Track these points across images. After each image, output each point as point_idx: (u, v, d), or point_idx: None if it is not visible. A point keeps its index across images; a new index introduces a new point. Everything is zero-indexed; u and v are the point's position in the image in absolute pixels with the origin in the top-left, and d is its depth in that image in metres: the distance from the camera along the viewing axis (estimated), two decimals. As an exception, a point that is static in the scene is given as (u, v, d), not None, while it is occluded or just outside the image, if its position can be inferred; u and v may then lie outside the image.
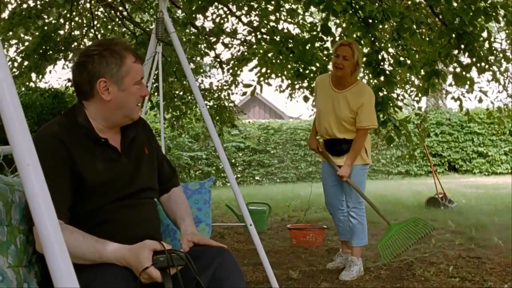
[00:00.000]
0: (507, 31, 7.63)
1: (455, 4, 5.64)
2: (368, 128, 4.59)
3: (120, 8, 8.63)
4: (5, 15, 8.30)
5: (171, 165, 2.46)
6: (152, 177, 2.24)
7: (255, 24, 7.98)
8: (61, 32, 9.44)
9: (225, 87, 10.31)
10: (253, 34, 7.80)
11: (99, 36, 9.68)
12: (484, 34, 5.72)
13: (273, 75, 7.83)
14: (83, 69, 2.05)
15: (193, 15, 6.66)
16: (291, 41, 6.37)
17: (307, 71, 6.55)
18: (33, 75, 9.43)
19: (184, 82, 9.17)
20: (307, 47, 6.05)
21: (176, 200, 2.35)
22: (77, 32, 9.64)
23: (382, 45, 6.46)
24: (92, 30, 9.47)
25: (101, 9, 9.39)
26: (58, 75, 40.48)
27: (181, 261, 1.86)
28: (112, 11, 8.99)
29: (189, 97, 9.75)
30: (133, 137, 2.19)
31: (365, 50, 6.61)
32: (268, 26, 7.59)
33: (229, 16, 8.76)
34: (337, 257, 4.88)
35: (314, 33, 6.21)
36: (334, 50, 4.61)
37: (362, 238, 4.63)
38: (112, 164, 2.08)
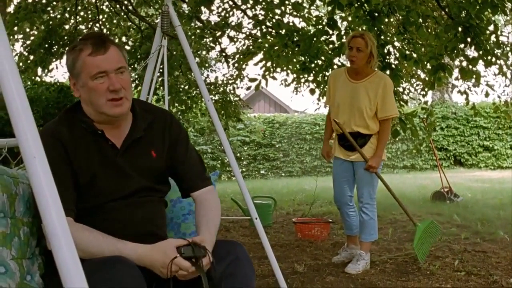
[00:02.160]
0: (513, 25, 7.58)
1: (461, -3, 5.61)
2: (392, 117, 4.56)
3: (125, 2, 8.63)
4: (10, 9, 8.32)
5: (201, 165, 2.30)
6: (154, 181, 2.14)
7: (261, 17, 7.96)
8: (67, 26, 9.45)
9: (230, 81, 10.30)
10: (258, 28, 7.78)
11: (104, 30, 9.69)
12: (491, 28, 5.69)
13: (278, 69, 7.81)
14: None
15: (198, 8, 6.65)
16: (296, 34, 6.35)
17: (313, 65, 6.53)
18: (39, 70, 9.45)
19: (189, 76, 9.17)
20: (313, 41, 6.03)
21: (203, 207, 2.20)
22: (82, 27, 9.64)
23: (388, 38, 6.43)
24: (98, 25, 9.48)
25: (106, 3, 9.39)
26: (63, 70, 40.67)
27: (203, 252, 1.90)
28: (117, 5, 8.99)
29: (195, 92, 9.75)
30: (138, 137, 2.10)
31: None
32: (274, 20, 7.57)
33: (234, 10, 8.74)
34: (342, 251, 4.84)
35: (320, 26, 6.19)
36: (347, 43, 4.52)
37: (373, 233, 4.62)
38: (108, 161, 2.04)
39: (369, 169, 4.45)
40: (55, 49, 9.13)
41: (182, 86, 9.76)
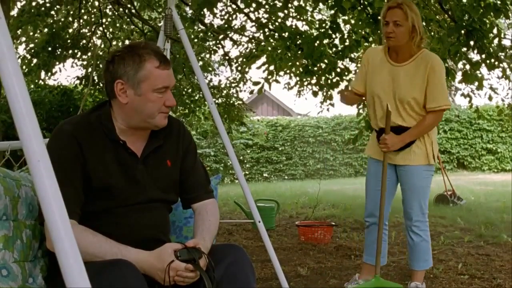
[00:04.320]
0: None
1: (464, 0, 5.61)
2: (443, 109, 3.57)
3: (129, 6, 8.65)
4: (14, 12, 8.34)
5: (206, 177, 2.32)
6: (167, 190, 2.17)
7: (264, 21, 7.98)
8: (70, 30, 9.49)
9: (233, 85, 10.32)
10: (261, 31, 7.79)
11: (107, 34, 9.72)
12: (494, 31, 5.69)
13: (281, 72, 7.81)
14: (106, 69, 2.04)
15: (201, 12, 6.66)
16: (299, 37, 6.35)
17: (316, 68, 6.54)
18: (42, 73, 9.48)
19: (193, 80, 9.19)
20: (316, 44, 6.03)
21: (204, 216, 2.21)
22: (85, 30, 9.68)
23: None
24: (101, 28, 9.51)
25: (110, 6, 9.42)
26: (67, 73, 40.93)
27: (199, 253, 1.92)
28: (121, 9, 9.01)
29: (197, 96, 9.78)
30: (157, 146, 2.13)
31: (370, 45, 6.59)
32: (277, 23, 7.58)
33: (237, 13, 8.76)
34: (351, 283, 3.95)
35: (323, 30, 6.20)
36: (382, 16, 3.56)
37: (427, 259, 3.79)
38: (126, 169, 2.05)
39: (381, 144, 3.59)
40: (58, 52, 9.16)
41: (185, 89, 9.77)
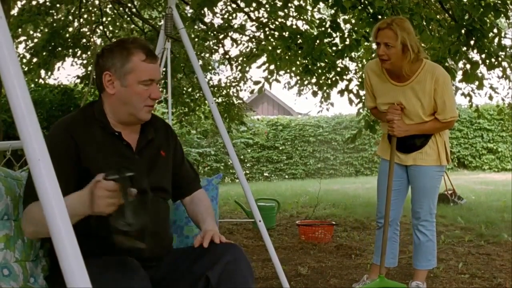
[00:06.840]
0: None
1: (464, 0, 5.60)
2: (452, 120, 3.60)
3: (129, 5, 8.64)
4: (14, 11, 8.34)
5: (193, 170, 2.46)
6: (165, 178, 2.25)
7: (264, 20, 7.97)
8: (70, 29, 9.48)
9: (233, 84, 10.30)
10: (261, 30, 7.78)
11: (107, 33, 9.71)
12: (495, 31, 5.69)
13: (281, 72, 7.80)
14: (96, 63, 2.12)
15: (201, 11, 6.65)
16: (299, 36, 6.34)
17: (316, 67, 6.53)
18: (42, 72, 9.47)
19: (193, 79, 9.19)
20: (316, 43, 6.03)
21: (197, 202, 2.36)
22: (85, 29, 9.67)
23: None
24: (101, 27, 9.50)
25: (110, 5, 9.41)
26: (67, 72, 41.05)
27: (129, 172, 1.72)
28: (121, 8, 9.00)
29: (198, 94, 9.76)
30: (150, 139, 2.21)
31: (375, 47, 6.58)
32: (277, 22, 7.57)
33: (237, 13, 8.75)
34: (359, 284, 3.97)
35: (323, 29, 6.19)
36: (373, 36, 3.52)
37: (431, 259, 3.79)
38: (124, 160, 2.09)
39: (389, 123, 3.58)
40: (58, 51, 9.15)
41: (185, 88, 9.76)
